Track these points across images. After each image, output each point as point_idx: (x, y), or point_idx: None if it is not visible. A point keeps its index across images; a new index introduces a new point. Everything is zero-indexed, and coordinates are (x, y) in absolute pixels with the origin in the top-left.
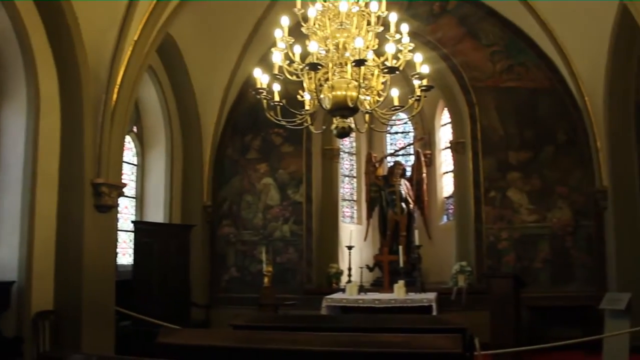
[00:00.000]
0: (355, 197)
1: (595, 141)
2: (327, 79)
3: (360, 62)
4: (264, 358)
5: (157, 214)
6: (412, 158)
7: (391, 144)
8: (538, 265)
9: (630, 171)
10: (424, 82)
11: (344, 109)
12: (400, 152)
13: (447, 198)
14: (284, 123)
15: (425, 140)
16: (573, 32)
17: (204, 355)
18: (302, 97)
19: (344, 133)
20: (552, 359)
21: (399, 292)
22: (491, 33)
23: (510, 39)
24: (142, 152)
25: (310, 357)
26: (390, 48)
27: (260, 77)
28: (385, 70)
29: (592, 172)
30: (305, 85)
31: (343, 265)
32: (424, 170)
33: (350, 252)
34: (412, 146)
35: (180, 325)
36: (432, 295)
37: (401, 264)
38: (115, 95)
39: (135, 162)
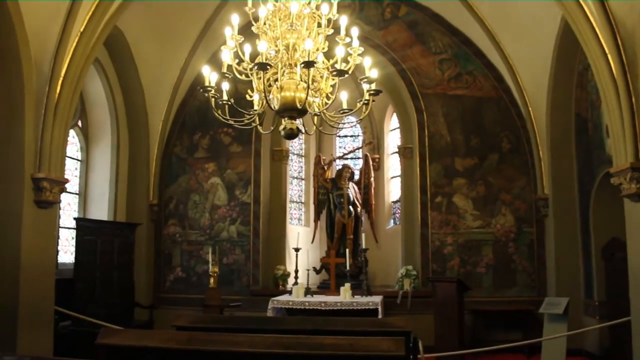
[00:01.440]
0: (303, 199)
1: (538, 150)
2: (276, 80)
3: (309, 64)
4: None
5: (101, 212)
6: (360, 162)
7: (340, 147)
8: (481, 270)
9: (569, 180)
10: (373, 86)
11: (292, 110)
12: (349, 156)
13: (394, 202)
14: (231, 122)
15: (373, 144)
16: (519, 44)
17: (144, 357)
18: (251, 97)
19: (292, 135)
20: None
21: (345, 295)
22: (440, 41)
23: (459, 47)
24: (86, 148)
25: (252, 359)
26: (340, 51)
27: (209, 75)
28: (335, 73)
29: (534, 180)
30: (254, 85)
31: (290, 267)
32: (372, 174)
33: (297, 254)
34: (360, 150)
35: (123, 326)
36: (378, 299)
37: (348, 266)
38: (58, 88)
39: (79, 158)
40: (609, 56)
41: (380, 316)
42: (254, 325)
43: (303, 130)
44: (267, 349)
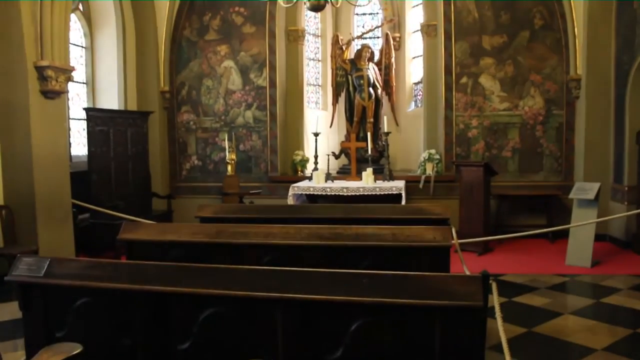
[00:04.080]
0: (320, 82)
1: (573, 26)
2: None
3: None
4: (238, 254)
5: (111, 101)
6: (380, 41)
7: (358, 26)
8: (507, 154)
9: (605, 60)
10: None
11: None
12: (368, 35)
13: (416, 84)
14: None
15: (394, 22)
16: None
17: (170, 252)
18: None
19: (319, 6)
20: (518, 245)
21: (367, 180)
22: None
23: None
24: (90, 33)
25: (289, 252)
26: None
27: None
28: None
29: (567, 59)
30: None
31: (309, 153)
32: (393, 54)
33: (316, 139)
34: (380, 28)
35: (141, 217)
36: (401, 184)
37: (369, 151)
38: None
39: (84, 45)
40: None
41: (403, 202)
42: (282, 214)
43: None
44: (302, 241)
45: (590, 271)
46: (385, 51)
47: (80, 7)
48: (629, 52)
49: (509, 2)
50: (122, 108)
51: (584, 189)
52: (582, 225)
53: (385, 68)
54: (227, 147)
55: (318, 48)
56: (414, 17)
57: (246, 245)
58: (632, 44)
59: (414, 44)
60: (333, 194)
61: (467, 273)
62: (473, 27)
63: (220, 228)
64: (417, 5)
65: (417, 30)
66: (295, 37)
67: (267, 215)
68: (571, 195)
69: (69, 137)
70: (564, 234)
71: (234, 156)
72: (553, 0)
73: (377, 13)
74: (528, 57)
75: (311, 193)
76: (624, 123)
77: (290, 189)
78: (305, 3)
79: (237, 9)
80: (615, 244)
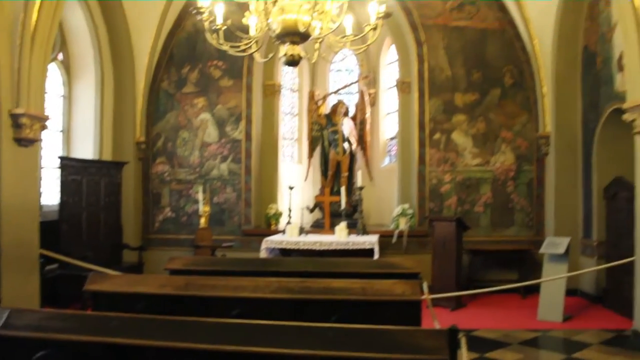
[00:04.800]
0: (296, 136)
1: (542, 86)
2: (275, 1)
3: None
4: (206, 307)
5: (85, 150)
6: (356, 97)
7: (334, 82)
8: (479, 209)
9: (573, 118)
10: (382, 8)
11: (294, 34)
12: (344, 91)
13: (390, 139)
14: (226, 48)
15: (370, 78)
16: None
17: (137, 304)
18: (247, 19)
19: (294, 61)
20: (490, 301)
21: (340, 234)
22: None
23: None
24: (68, 82)
25: (257, 305)
26: None
27: None
28: None
29: (536, 117)
30: (252, 7)
31: (283, 206)
32: (368, 109)
33: (290, 193)
34: (356, 84)
35: (111, 269)
36: (374, 238)
37: (342, 205)
38: (35, 15)
39: (62, 93)
40: None
41: (376, 256)
42: (253, 267)
43: (305, 57)
44: (271, 294)
45: (562, 326)
46: (360, 107)
47: (60, 56)
48: (594, 111)
49: (481, 61)
50: (97, 157)
51: (555, 244)
52: (553, 280)
53: (360, 123)
54: (201, 199)
55: (294, 102)
56: (389, 74)
57: (215, 298)
58: (597, 103)
59: (389, 100)
60: (306, 247)
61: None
62: (446, 84)
63: (189, 280)
64: (392, 63)
65: (392, 87)
66: (272, 91)
67: (238, 268)
68: (542, 250)
69: (41, 185)
70: (536, 289)
71: (207, 208)
72: (522, 60)
73: (353, 70)
74: (499, 114)
75: (284, 247)
76: (591, 179)
77: (263, 242)
78: (280, 58)
79: (215, 62)
80: (586, 299)
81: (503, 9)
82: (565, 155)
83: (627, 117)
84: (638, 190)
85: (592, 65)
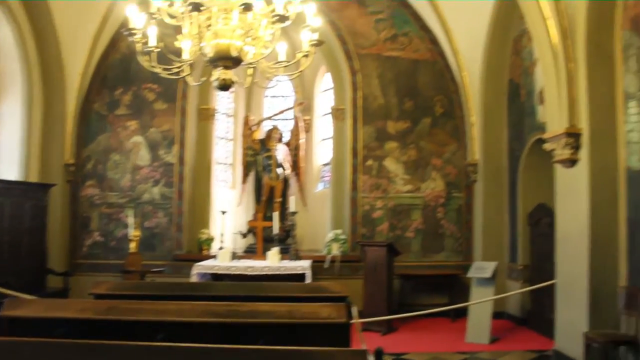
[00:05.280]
0: (230, 161)
1: (470, 115)
2: (209, 26)
3: (248, 7)
4: (130, 331)
5: (10, 171)
6: (290, 123)
7: (270, 108)
8: (410, 234)
9: (499, 146)
10: (315, 36)
11: (227, 59)
12: (279, 116)
13: (324, 165)
14: (158, 70)
15: (304, 105)
16: (457, 8)
17: (58, 330)
18: (179, 42)
19: (226, 86)
20: (421, 325)
21: (272, 260)
22: (378, 1)
23: (396, 8)
24: None
25: (183, 329)
26: None
27: (135, 17)
28: (276, 19)
29: (465, 145)
30: (185, 30)
31: (215, 231)
32: (303, 135)
33: (223, 218)
34: (291, 110)
35: (35, 295)
36: (306, 263)
37: (275, 230)
38: None
39: None
40: (548, 22)
41: (308, 281)
42: (180, 291)
43: (237, 82)
44: (197, 318)
45: (489, 348)
46: (295, 132)
47: None
48: (519, 140)
49: (413, 90)
50: (22, 179)
51: (482, 268)
52: (480, 303)
53: (294, 149)
54: (131, 223)
55: (229, 127)
56: (324, 101)
57: (139, 322)
58: (521, 133)
59: (323, 127)
60: (238, 273)
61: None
62: (379, 112)
63: (112, 304)
64: (327, 90)
65: (327, 114)
66: (206, 115)
67: (165, 293)
68: (469, 274)
69: None
70: (465, 312)
71: (138, 233)
72: (452, 90)
73: (289, 96)
74: (430, 142)
75: (215, 272)
76: (516, 205)
77: (194, 267)
78: (213, 82)
79: (149, 85)
80: (512, 321)
81: (434, 41)
82: (492, 182)
83: (547, 146)
84: (558, 216)
85: (517, 97)
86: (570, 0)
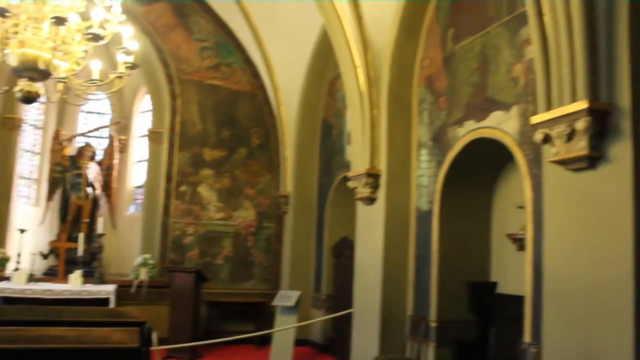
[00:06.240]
0: (35, 176)
1: (285, 149)
2: (16, 32)
3: (61, 21)
4: None
5: None
6: (105, 141)
7: (84, 124)
8: (220, 261)
9: (310, 180)
10: (130, 58)
11: (33, 70)
12: (93, 134)
13: (138, 187)
14: None
15: (121, 124)
16: (280, 44)
17: None
18: None
19: (30, 99)
20: (227, 352)
21: (74, 283)
22: (204, 28)
23: (222, 38)
24: None
25: None
26: (97, 14)
27: None
28: (90, 36)
29: (278, 177)
30: None
31: (13, 251)
32: (117, 156)
33: (21, 237)
34: (106, 129)
35: None
36: (111, 287)
37: (80, 252)
38: None
39: None
40: (358, 70)
41: (112, 305)
42: None
43: (43, 96)
44: None
45: None
46: (109, 152)
47: None
48: (328, 176)
49: (231, 120)
50: None
51: (287, 297)
52: (284, 331)
53: (107, 169)
54: None
55: (37, 140)
56: (142, 122)
57: None
58: (330, 170)
59: (140, 148)
60: (34, 296)
61: None
62: (196, 138)
63: None
64: (146, 112)
65: (144, 136)
66: (11, 125)
67: None
68: (274, 303)
69: None
70: (270, 340)
71: None
72: (269, 124)
73: (106, 113)
74: (244, 172)
75: (7, 295)
76: (323, 238)
77: None
78: (15, 93)
79: None
80: (315, 348)
81: (256, 75)
82: (301, 214)
83: (351, 184)
84: (357, 250)
85: (329, 135)
86: (378, 53)
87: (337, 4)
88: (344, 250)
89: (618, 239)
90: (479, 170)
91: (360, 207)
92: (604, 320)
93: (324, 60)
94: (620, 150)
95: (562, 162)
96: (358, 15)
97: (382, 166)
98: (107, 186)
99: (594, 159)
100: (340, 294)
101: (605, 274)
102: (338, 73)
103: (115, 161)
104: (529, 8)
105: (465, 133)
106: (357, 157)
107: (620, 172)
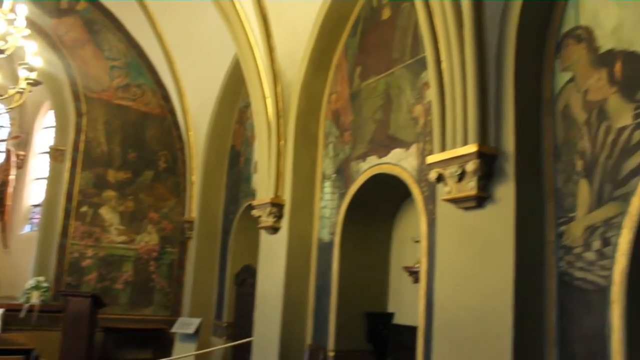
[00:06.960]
0: None
1: (192, 174)
2: None
3: None
4: None
5: None
6: (1, 156)
7: None
8: (119, 286)
9: (216, 207)
10: (33, 75)
11: None
12: None
13: (35, 206)
14: None
15: (21, 139)
16: (192, 69)
17: None
18: None
19: None
20: None
21: None
22: (116, 47)
23: (133, 58)
24: None
25: None
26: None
27: None
28: None
29: (183, 202)
30: None
31: None
32: (13, 172)
33: None
34: (4, 143)
35: None
36: None
37: None
38: None
39: None
40: (268, 100)
41: None
42: None
43: None
44: None
45: None
46: (4, 167)
47: None
48: (234, 204)
49: (138, 142)
50: None
51: (186, 324)
52: (182, 358)
53: (1, 185)
54: None
55: None
56: (44, 138)
57: None
58: (237, 197)
59: (39, 165)
60: None
61: None
62: (101, 159)
63: None
64: (48, 128)
65: (45, 152)
66: None
67: None
68: (174, 329)
69: None
70: None
71: None
72: (177, 148)
73: (4, 127)
74: (149, 196)
75: None
76: (226, 265)
77: None
78: None
79: None
80: None
81: (166, 98)
82: (206, 240)
83: (255, 212)
84: (259, 278)
85: (237, 162)
86: (288, 85)
87: (250, 34)
88: (247, 278)
89: (501, 272)
90: (380, 204)
91: (264, 235)
92: (486, 347)
93: (236, 88)
94: (505, 192)
95: (454, 201)
96: (270, 47)
97: (287, 196)
98: (1, 203)
99: (481, 199)
100: (242, 322)
101: (488, 304)
102: (249, 102)
103: (12, 177)
104: (428, 54)
105: (368, 168)
106: (263, 186)
107: (504, 211)
